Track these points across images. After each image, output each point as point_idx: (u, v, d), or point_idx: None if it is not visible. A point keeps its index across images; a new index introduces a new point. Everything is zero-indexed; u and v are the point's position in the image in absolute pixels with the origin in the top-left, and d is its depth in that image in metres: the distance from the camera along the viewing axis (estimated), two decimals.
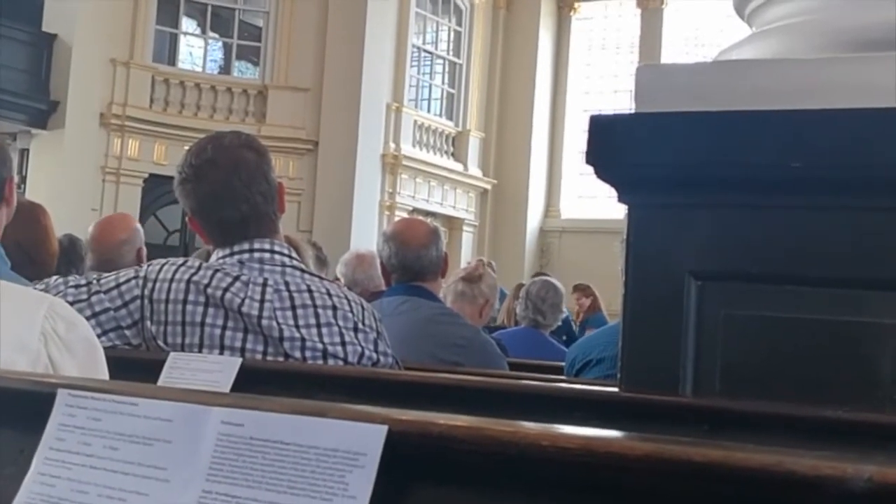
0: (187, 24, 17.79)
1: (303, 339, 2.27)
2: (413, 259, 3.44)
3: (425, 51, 19.96)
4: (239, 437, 0.97)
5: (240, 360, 2.16)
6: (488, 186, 20.34)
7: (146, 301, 2.30)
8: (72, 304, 2.08)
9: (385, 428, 0.91)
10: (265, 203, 2.38)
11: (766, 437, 1.45)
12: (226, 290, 2.27)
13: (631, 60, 19.61)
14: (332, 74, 17.04)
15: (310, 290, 2.33)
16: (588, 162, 1.83)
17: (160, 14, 16.63)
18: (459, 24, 20.24)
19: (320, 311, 2.31)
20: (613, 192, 1.86)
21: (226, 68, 18.10)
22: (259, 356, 2.26)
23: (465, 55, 20.18)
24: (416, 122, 18.96)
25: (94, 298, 2.31)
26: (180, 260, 2.40)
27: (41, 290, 2.24)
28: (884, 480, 0.73)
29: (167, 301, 2.29)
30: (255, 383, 2.00)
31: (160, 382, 2.07)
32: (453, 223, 19.61)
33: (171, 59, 17.23)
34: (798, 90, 1.76)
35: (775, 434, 1.53)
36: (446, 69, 20.32)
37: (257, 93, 17.19)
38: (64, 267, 3.71)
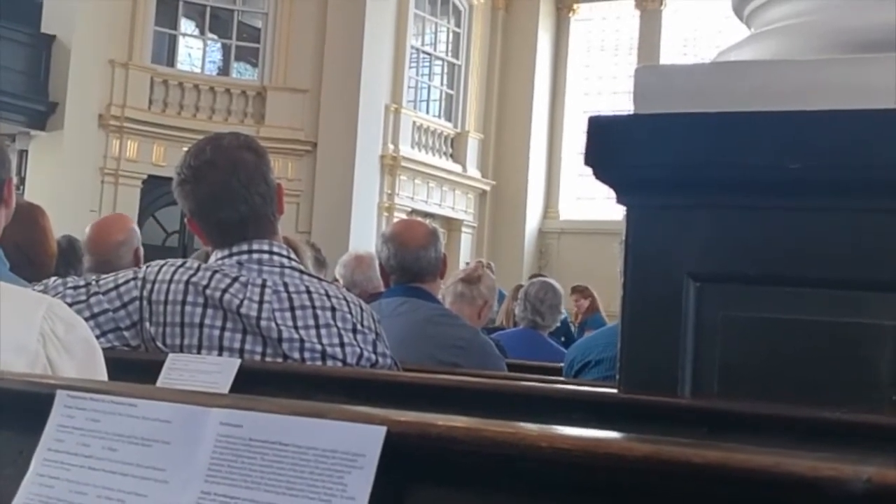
0: (186, 26, 17.79)
1: (301, 341, 2.27)
2: (412, 260, 3.44)
3: (424, 52, 19.96)
4: (238, 438, 0.97)
5: (238, 361, 2.16)
6: (487, 188, 20.34)
7: (145, 302, 2.30)
8: (70, 305, 2.08)
9: (384, 429, 0.91)
10: (264, 204, 2.38)
11: (764, 439, 1.46)
12: (224, 291, 2.27)
13: (630, 62, 19.61)
14: (331, 75, 17.04)
15: (308, 292, 2.33)
16: (587, 163, 1.83)
17: (159, 15, 16.62)
18: (458, 25, 20.24)
19: (319, 312, 2.31)
20: (612, 194, 1.86)
21: (224, 69, 18.10)
22: (258, 357, 2.26)
23: (464, 56, 20.18)
24: (414, 123, 18.96)
25: (92, 300, 2.31)
26: (179, 261, 2.40)
27: (40, 291, 2.25)
28: (883, 482, 0.73)
29: (166, 302, 2.29)
30: (254, 384, 2.00)
31: (159, 383, 2.06)
32: (452, 224, 19.61)
33: (170, 61, 17.23)
34: (797, 91, 1.76)
35: (774, 435, 1.53)
36: (445, 70, 20.32)
37: (256, 94, 17.18)
38: (63, 268, 3.71)
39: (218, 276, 2.29)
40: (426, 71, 20.29)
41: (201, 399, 1.06)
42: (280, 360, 2.26)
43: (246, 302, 2.27)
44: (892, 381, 1.63)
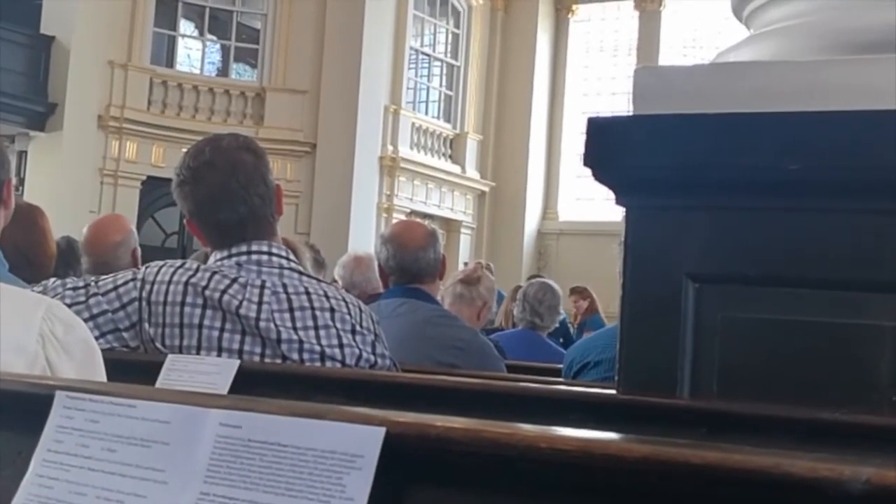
0: (185, 27, 17.79)
1: (300, 342, 2.27)
2: (411, 261, 3.44)
3: (423, 53, 19.97)
4: (237, 438, 0.97)
5: (237, 362, 2.16)
6: (486, 189, 20.34)
7: (144, 303, 2.30)
8: (70, 306, 2.08)
9: (383, 430, 0.91)
10: (263, 205, 2.38)
11: (763, 440, 1.46)
12: (224, 292, 2.27)
13: (629, 62, 19.62)
14: (330, 76, 17.04)
15: (307, 293, 2.33)
16: (586, 164, 1.82)
17: (158, 16, 16.62)
18: (457, 26, 20.24)
19: (318, 313, 2.31)
20: (611, 195, 1.86)
21: (224, 70, 18.11)
22: (257, 358, 2.26)
23: (463, 57, 20.19)
24: (413, 124, 18.96)
25: (91, 300, 2.31)
26: (178, 262, 2.40)
27: (39, 292, 2.25)
28: (881, 482, 0.73)
29: (165, 303, 2.28)
30: (253, 385, 2.00)
31: (158, 384, 2.07)
32: (451, 225, 19.60)
33: (169, 62, 17.23)
34: (796, 92, 1.76)
35: (773, 436, 1.53)
36: (444, 71, 20.32)
37: (255, 95, 17.18)
38: (62, 269, 3.70)
39: (217, 277, 2.29)
40: (425, 72, 20.29)
41: (200, 400, 1.06)
42: (279, 361, 2.26)
43: (245, 303, 2.27)
44: (892, 382, 1.63)
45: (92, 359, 1.64)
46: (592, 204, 19.33)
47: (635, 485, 0.84)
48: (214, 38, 18.12)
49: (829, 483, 0.75)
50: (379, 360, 2.37)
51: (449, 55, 20.23)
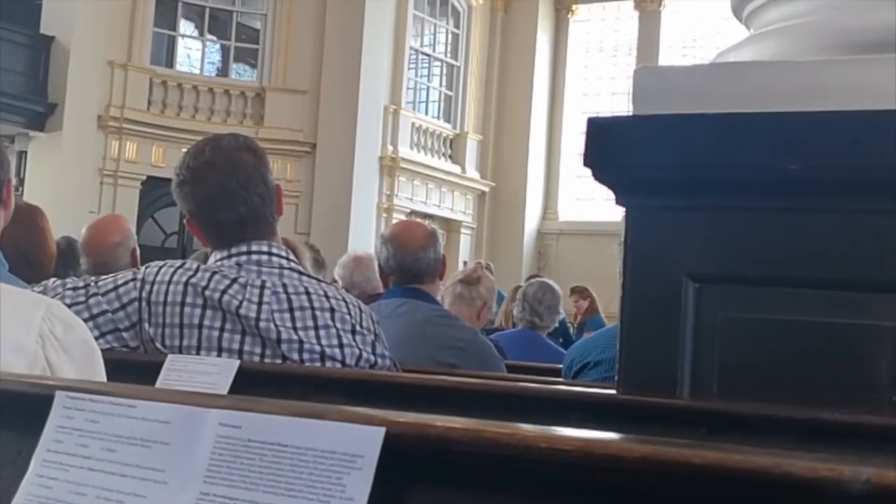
0: (185, 27, 17.79)
1: (300, 342, 2.27)
2: (411, 261, 3.45)
3: (423, 53, 19.97)
4: (237, 439, 0.97)
5: (237, 362, 2.16)
6: (486, 189, 20.34)
7: (144, 303, 2.30)
8: (69, 306, 2.08)
9: (382, 430, 0.91)
10: (263, 205, 2.38)
11: (763, 440, 1.46)
12: (224, 292, 2.27)
13: (629, 62, 19.62)
14: (330, 76, 17.04)
15: (307, 293, 2.33)
16: (586, 164, 1.82)
17: (158, 16, 16.62)
18: (457, 26, 20.24)
19: (318, 313, 2.31)
20: (611, 195, 1.86)
21: (223, 70, 18.11)
22: (257, 358, 2.26)
23: (463, 57, 20.19)
24: (413, 124, 18.96)
25: (91, 301, 2.31)
26: (178, 262, 2.40)
27: (39, 292, 2.25)
28: (881, 482, 0.73)
29: (165, 303, 2.28)
30: (253, 385, 2.00)
31: (158, 384, 2.06)
32: (451, 225, 19.60)
33: (169, 62, 17.23)
34: (796, 92, 1.76)
35: (773, 436, 1.53)
36: (444, 71, 20.32)
37: (255, 95, 17.18)
38: (61, 269, 3.70)
39: (217, 277, 2.29)
40: (425, 72, 20.29)
41: (200, 400, 1.06)
42: (279, 361, 2.26)
43: (245, 303, 2.27)
44: (892, 382, 1.63)
45: (92, 359, 1.64)
46: (592, 204, 19.33)
47: (635, 485, 0.84)
48: (214, 38, 18.11)
49: (829, 483, 0.75)
50: (379, 360, 2.37)
51: (449, 55, 20.23)
